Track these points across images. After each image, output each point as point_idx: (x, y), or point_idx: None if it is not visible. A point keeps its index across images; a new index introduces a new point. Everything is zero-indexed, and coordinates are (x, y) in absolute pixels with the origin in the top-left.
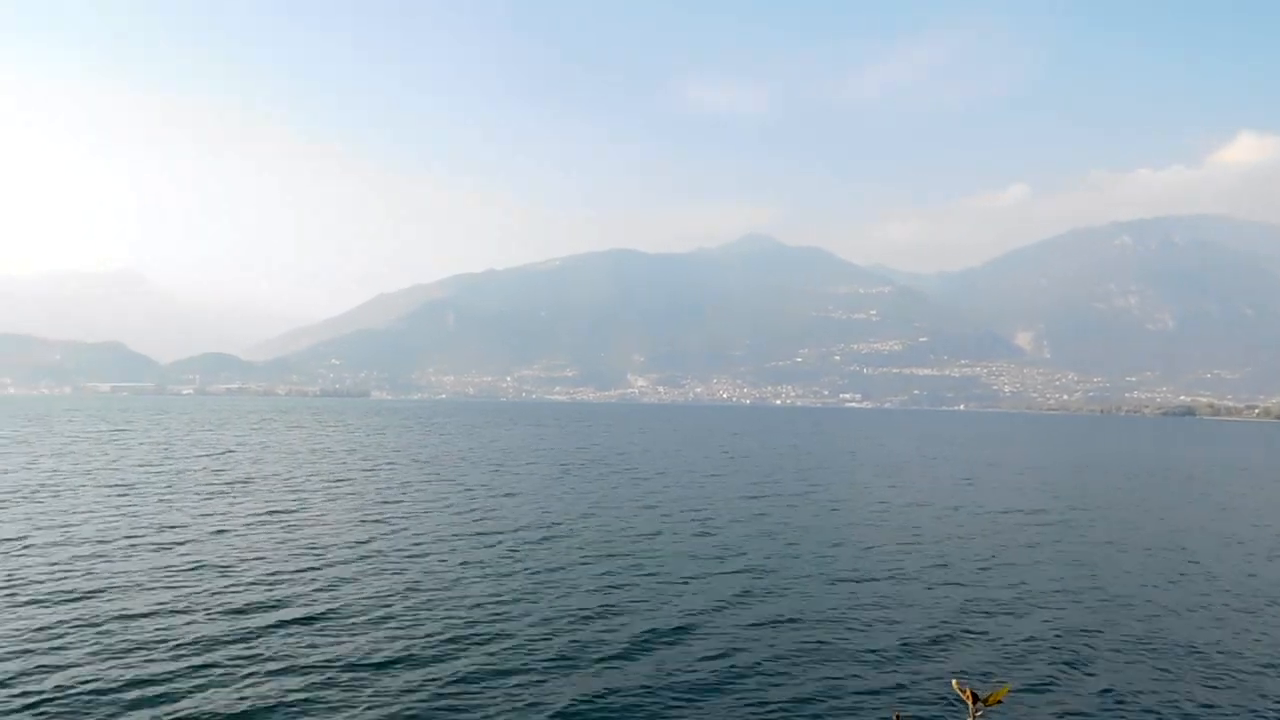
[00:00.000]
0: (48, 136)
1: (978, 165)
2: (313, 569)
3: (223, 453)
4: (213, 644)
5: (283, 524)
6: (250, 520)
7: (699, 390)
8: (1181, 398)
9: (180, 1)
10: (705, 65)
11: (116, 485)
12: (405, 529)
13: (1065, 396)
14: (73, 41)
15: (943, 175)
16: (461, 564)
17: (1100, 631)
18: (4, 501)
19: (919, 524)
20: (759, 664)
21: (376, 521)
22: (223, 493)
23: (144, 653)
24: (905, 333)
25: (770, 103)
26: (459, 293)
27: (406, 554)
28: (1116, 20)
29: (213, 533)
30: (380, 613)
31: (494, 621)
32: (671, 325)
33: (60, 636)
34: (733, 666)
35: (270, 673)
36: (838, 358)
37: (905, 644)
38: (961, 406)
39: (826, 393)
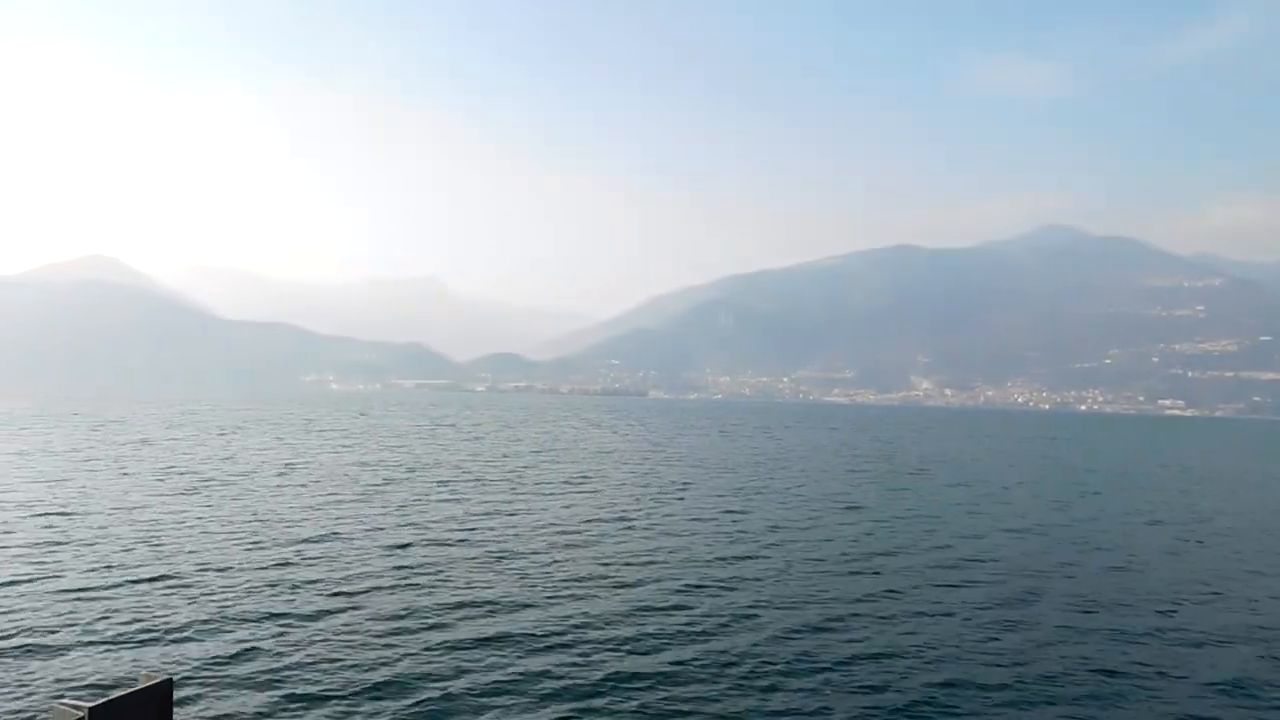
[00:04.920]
0: (379, 163)
1: None
2: (690, 574)
3: (541, 450)
4: (604, 648)
5: (630, 527)
6: (595, 520)
7: (990, 394)
8: None
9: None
10: (990, 45)
11: (457, 479)
12: (749, 539)
13: None
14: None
15: None
16: (831, 575)
17: None
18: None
19: None
20: None
21: (723, 529)
22: (562, 491)
23: (536, 648)
24: (1241, 331)
25: (1067, 79)
26: (732, 293)
27: (773, 568)
28: None
29: (563, 533)
30: (781, 626)
31: (914, 654)
32: (958, 324)
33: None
34: None
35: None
36: (1155, 359)
37: None
38: None
39: (1141, 398)
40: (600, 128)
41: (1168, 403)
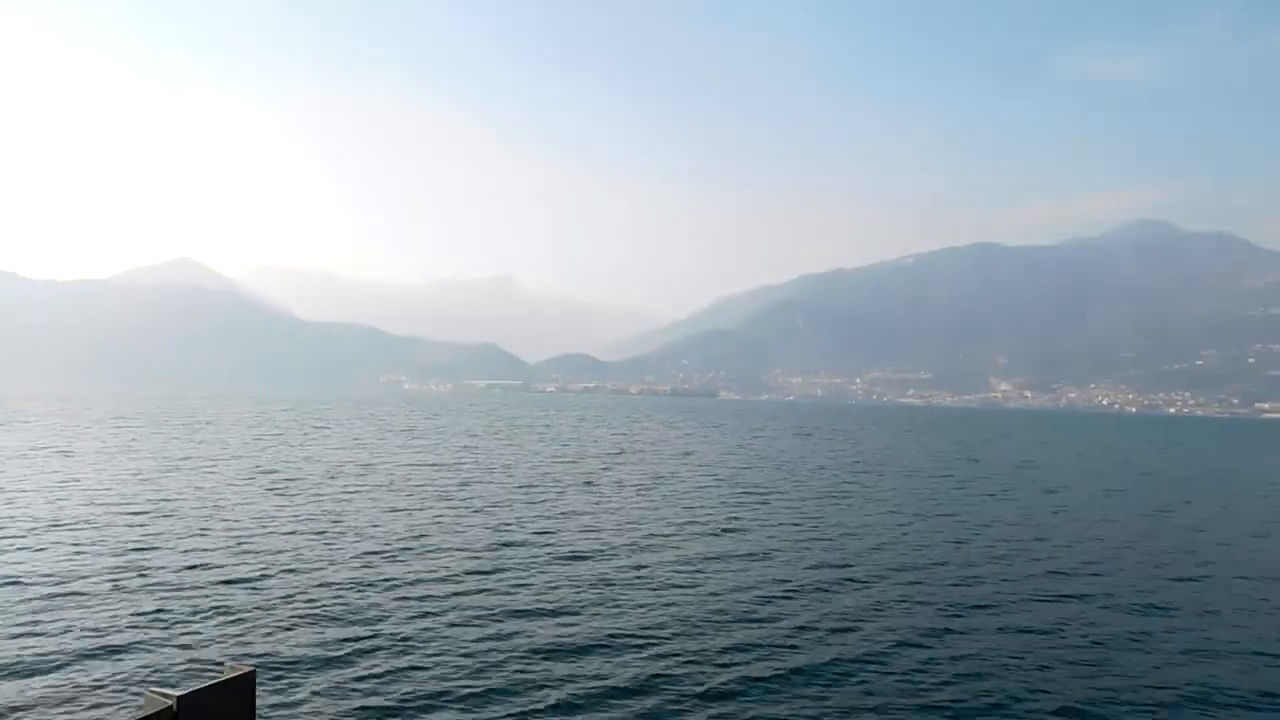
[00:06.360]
0: (445, 169)
1: None
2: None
3: (618, 452)
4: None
5: (713, 533)
6: (678, 525)
7: (1073, 396)
8: None
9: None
10: (1082, 34)
11: (535, 482)
12: (839, 547)
13: None
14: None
15: None
16: (928, 587)
17: None
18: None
19: None
20: None
21: (811, 535)
22: (642, 495)
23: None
24: None
25: (1165, 69)
26: (806, 293)
27: (867, 577)
28: None
29: (646, 536)
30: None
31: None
32: (1040, 324)
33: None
34: None
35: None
36: (1253, 360)
37: None
38: None
39: (1236, 401)
40: (677, 128)
41: (1266, 406)
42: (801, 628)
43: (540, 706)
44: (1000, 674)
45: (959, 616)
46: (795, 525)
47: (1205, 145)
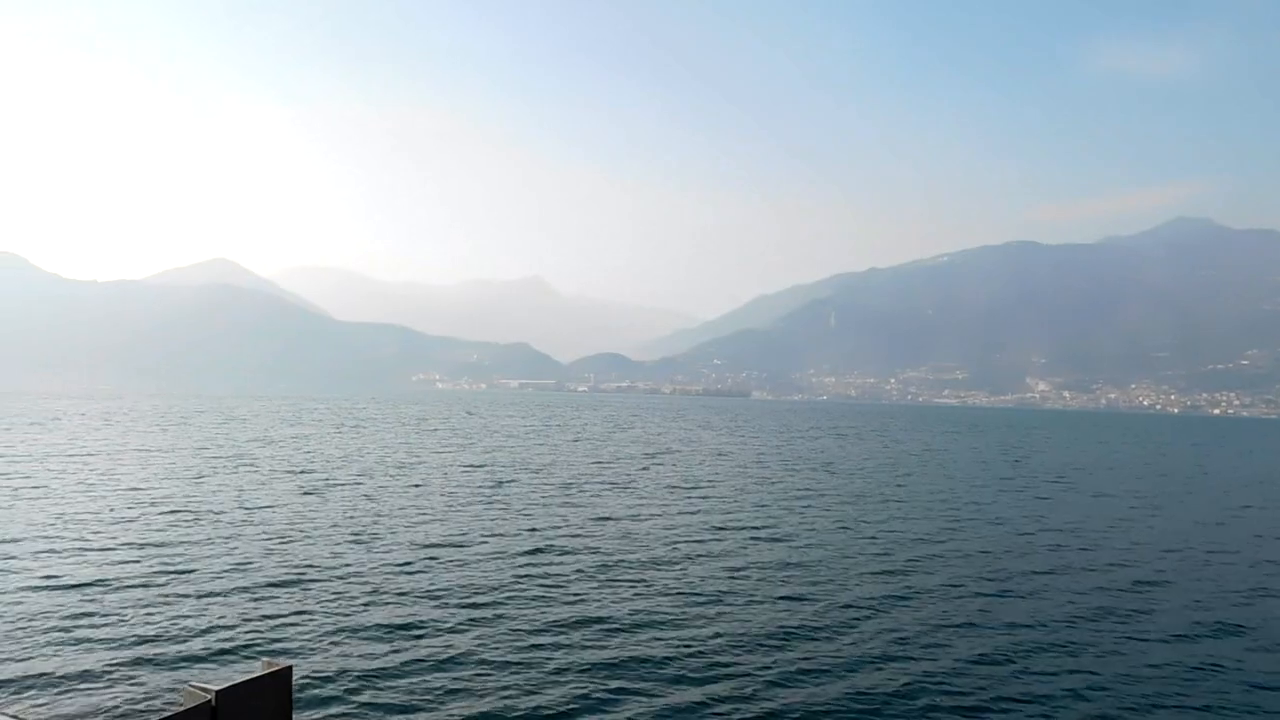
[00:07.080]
0: (471, 173)
1: None
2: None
3: (654, 453)
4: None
5: (755, 537)
6: (718, 529)
7: (1113, 396)
8: None
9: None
10: (1117, 27)
11: (572, 482)
12: (885, 552)
13: None
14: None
15: None
16: (983, 596)
17: None
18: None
19: None
20: None
21: (856, 540)
22: (680, 496)
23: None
24: None
25: (1204, 60)
26: (840, 292)
27: (921, 585)
28: None
29: (687, 541)
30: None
31: None
32: (1078, 323)
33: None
34: None
35: None
36: None
37: None
38: None
39: None
40: (705, 134)
41: None
42: (853, 643)
43: None
44: (1064, 703)
45: (1014, 633)
46: (840, 530)
47: (1252, 139)
